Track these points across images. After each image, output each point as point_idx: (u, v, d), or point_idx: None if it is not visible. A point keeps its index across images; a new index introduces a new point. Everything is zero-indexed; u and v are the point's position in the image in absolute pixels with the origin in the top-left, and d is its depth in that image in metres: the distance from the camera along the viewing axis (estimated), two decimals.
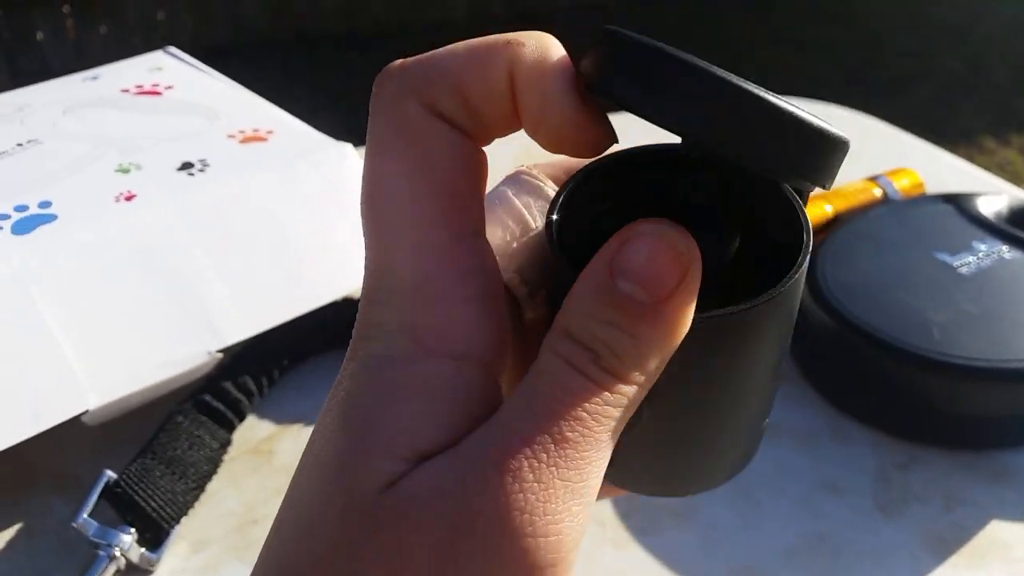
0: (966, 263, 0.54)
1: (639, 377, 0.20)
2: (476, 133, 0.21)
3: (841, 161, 0.20)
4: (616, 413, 0.20)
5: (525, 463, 0.18)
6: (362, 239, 0.21)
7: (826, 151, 0.20)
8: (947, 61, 2.83)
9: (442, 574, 0.18)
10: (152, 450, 0.43)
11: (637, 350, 0.19)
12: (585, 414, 0.19)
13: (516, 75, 0.20)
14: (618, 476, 0.23)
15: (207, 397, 0.46)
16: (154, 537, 0.41)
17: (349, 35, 2.95)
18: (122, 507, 0.41)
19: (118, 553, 0.39)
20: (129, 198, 0.49)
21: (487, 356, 0.20)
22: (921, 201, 0.61)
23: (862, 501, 0.46)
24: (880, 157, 0.76)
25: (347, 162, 0.54)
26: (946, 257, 0.54)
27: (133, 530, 0.40)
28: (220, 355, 0.45)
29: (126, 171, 0.51)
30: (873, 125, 0.85)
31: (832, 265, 0.54)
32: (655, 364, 0.20)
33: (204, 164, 0.52)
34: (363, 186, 0.21)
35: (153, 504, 0.41)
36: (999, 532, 0.44)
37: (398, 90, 0.20)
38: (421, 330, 0.20)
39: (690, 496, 0.26)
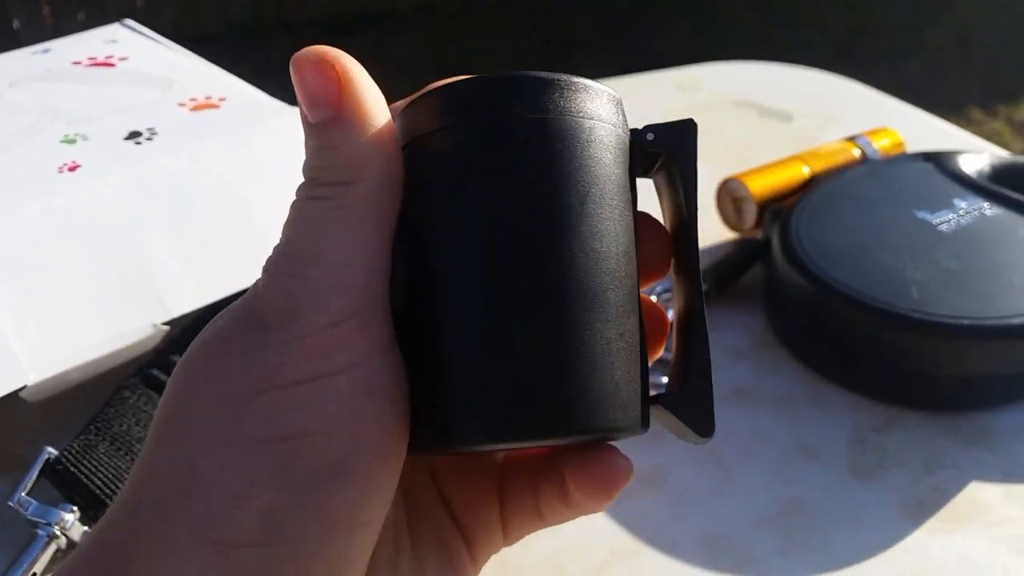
0: (946, 220, 0.52)
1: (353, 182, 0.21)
2: None
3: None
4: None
5: None
6: None
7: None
8: (936, 34, 2.81)
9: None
10: (96, 426, 0.41)
11: (335, 159, 0.21)
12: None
13: None
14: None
15: (155, 371, 0.44)
16: (98, 515, 0.39)
17: (332, 21, 2.92)
18: (64, 485, 0.39)
19: (59, 532, 0.38)
20: (73, 168, 0.47)
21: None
22: (900, 160, 0.59)
23: (838, 465, 0.44)
24: (862, 120, 0.74)
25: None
26: (926, 215, 0.52)
27: (75, 508, 0.39)
28: (167, 328, 0.44)
29: (72, 142, 0.49)
30: (854, 88, 0.83)
31: (807, 225, 0.52)
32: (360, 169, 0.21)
33: (152, 132, 0.50)
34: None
35: (97, 481, 0.39)
36: (978, 494, 0.42)
37: None
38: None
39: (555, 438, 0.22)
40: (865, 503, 0.42)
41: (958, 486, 0.43)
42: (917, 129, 0.71)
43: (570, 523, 0.41)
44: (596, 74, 0.22)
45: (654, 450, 0.45)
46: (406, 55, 2.70)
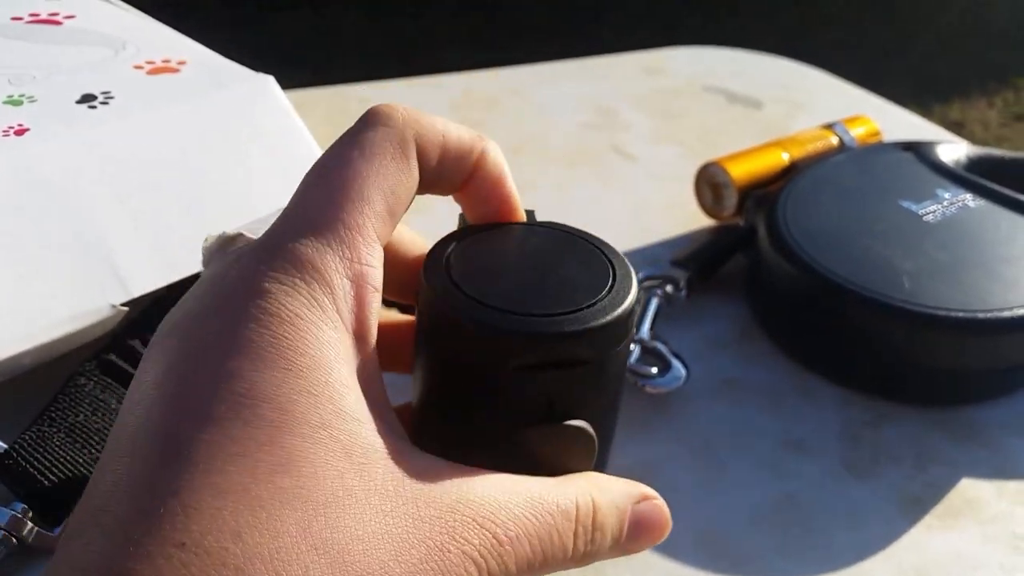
0: (931, 211, 0.51)
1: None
2: (428, 181, 0.26)
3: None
4: None
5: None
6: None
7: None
8: (875, 31, 2.87)
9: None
10: (49, 416, 0.38)
11: (599, 550, 0.24)
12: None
13: (482, 161, 0.27)
14: None
15: (112, 356, 0.40)
16: (53, 515, 0.36)
17: None
18: (13, 481, 0.36)
19: (10, 534, 0.34)
20: (20, 132, 0.43)
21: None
22: (880, 149, 0.58)
23: (830, 461, 0.43)
24: (830, 109, 0.74)
25: (268, 95, 0.48)
26: (911, 205, 0.52)
27: (25, 507, 0.35)
28: (126, 309, 0.40)
29: (17, 103, 0.45)
30: (821, 77, 0.82)
31: (793, 212, 0.51)
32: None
33: (108, 96, 0.46)
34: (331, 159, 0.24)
35: (51, 476, 0.36)
36: (971, 491, 0.42)
37: (404, 123, 0.25)
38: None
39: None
40: (860, 499, 0.41)
41: (951, 482, 0.42)
42: (883, 119, 0.71)
43: None
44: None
45: (643, 445, 0.43)
46: (356, 29, 2.64)
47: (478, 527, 0.21)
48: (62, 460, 0.36)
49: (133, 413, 0.20)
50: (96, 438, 0.38)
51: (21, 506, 0.35)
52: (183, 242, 0.42)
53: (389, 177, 0.24)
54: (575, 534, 0.23)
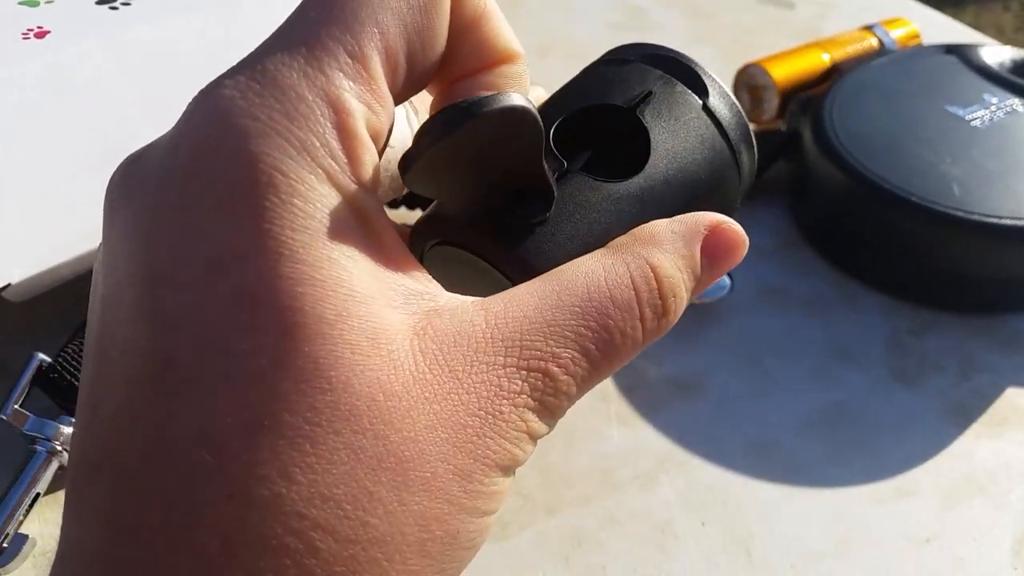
0: (978, 116, 0.50)
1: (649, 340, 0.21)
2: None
3: None
4: (616, 364, 0.20)
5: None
6: None
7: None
8: None
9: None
10: None
11: (677, 311, 0.21)
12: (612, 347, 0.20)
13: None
14: None
15: None
16: None
17: None
18: (60, 394, 0.35)
19: (59, 447, 0.34)
20: (41, 35, 0.41)
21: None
22: (923, 52, 0.56)
23: (876, 369, 0.43)
24: (862, 10, 0.71)
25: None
26: (957, 110, 0.50)
27: (72, 419, 0.35)
28: None
29: (34, 4, 0.43)
30: None
31: (840, 117, 0.49)
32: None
33: None
34: None
35: None
36: (1018, 399, 0.42)
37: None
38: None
39: None
40: (907, 407, 0.41)
41: (997, 390, 0.42)
42: (918, 21, 0.69)
43: (614, 432, 0.39)
44: None
45: (689, 355, 0.43)
46: None
47: (525, 372, 0.18)
48: None
49: (114, 317, 0.17)
50: None
51: (69, 419, 0.35)
52: None
53: (413, 4, 0.19)
54: (642, 319, 0.20)
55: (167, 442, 0.16)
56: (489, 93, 0.18)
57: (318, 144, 0.17)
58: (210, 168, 0.17)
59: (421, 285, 0.19)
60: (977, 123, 0.49)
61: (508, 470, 0.18)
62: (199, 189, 0.17)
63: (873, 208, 0.45)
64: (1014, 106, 0.51)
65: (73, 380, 0.35)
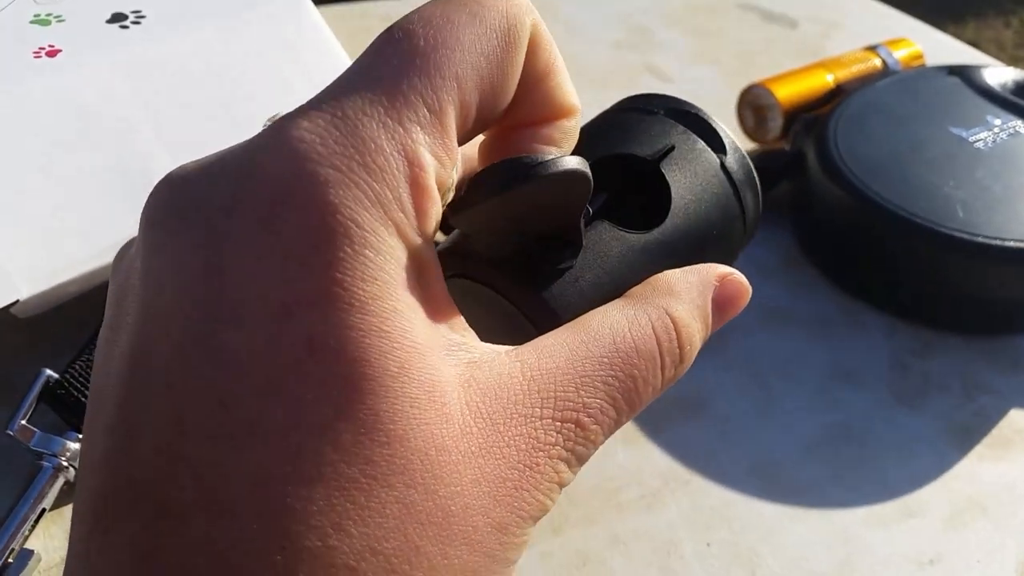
0: (982, 138, 0.50)
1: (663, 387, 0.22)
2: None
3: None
4: (636, 406, 0.21)
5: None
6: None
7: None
8: None
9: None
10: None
11: (692, 358, 0.22)
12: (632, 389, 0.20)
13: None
14: None
15: None
16: None
17: None
18: (66, 410, 0.35)
19: (66, 463, 0.34)
20: (52, 54, 0.41)
21: None
22: (926, 73, 0.57)
23: (879, 390, 0.43)
24: (865, 30, 0.72)
25: (300, 11, 0.47)
26: (961, 131, 0.50)
27: (79, 436, 0.35)
28: None
29: (45, 23, 0.43)
30: (859, 1, 0.80)
31: (844, 137, 0.49)
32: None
33: (139, 16, 0.44)
34: None
35: None
36: (1021, 421, 0.42)
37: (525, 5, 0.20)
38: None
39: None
40: (911, 429, 0.41)
41: (1000, 412, 0.42)
42: (921, 41, 0.69)
43: (619, 452, 0.39)
44: None
45: (693, 375, 0.43)
46: None
47: (559, 423, 0.19)
48: None
49: (157, 348, 0.16)
50: None
51: (76, 435, 0.35)
52: None
53: (492, 60, 0.19)
54: (663, 367, 0.21)
55: (219, 485, 0.15)
56: (549, 155, 0.19)
57: (391, 197, 0.17)
58: (287, 213, 0.17)
59: (460, 336, 0.19)
60: (980, 144, 0.49)
61: (537, 520, 0.19)
62: (274, 233, 0.16)
63: (876, 229, 0.45)
64: (1017, 128, 0.51)
65: (80, 397, 0.35)
